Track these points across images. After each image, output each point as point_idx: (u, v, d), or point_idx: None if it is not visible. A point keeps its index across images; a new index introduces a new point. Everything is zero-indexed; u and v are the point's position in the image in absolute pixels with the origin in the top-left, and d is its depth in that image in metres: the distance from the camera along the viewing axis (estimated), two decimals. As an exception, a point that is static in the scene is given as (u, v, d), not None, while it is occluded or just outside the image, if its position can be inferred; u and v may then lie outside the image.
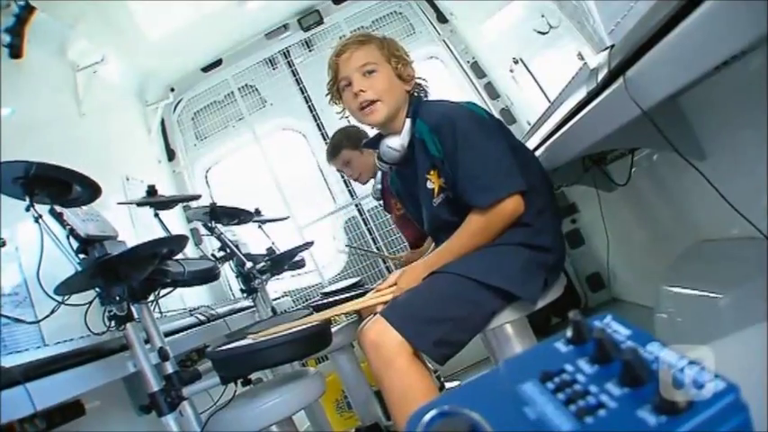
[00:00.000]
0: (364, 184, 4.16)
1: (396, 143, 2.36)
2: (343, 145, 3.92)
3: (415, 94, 2.40)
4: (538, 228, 2.17)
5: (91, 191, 2.11)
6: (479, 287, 2.03)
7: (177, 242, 2.20)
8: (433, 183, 2.29)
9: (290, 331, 2.15)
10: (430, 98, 2.45)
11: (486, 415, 0.60)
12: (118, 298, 2.00)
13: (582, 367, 0.65)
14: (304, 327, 2.19)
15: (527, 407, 0.62)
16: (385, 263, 5.30)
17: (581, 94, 1.89)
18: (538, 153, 2.63)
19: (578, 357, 0.66)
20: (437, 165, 2.23)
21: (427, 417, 0.62)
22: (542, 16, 3.44)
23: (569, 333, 0.71)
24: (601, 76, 1.68)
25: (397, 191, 2.67)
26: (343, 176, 5.27)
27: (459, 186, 2.15)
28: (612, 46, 1.62)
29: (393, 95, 2.33)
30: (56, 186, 2.03)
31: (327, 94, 2.49)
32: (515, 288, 2.05)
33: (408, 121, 2.33)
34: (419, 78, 2.42)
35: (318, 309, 3.00)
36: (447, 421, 0.60)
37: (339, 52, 2.37)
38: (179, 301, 3.89)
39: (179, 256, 2.35)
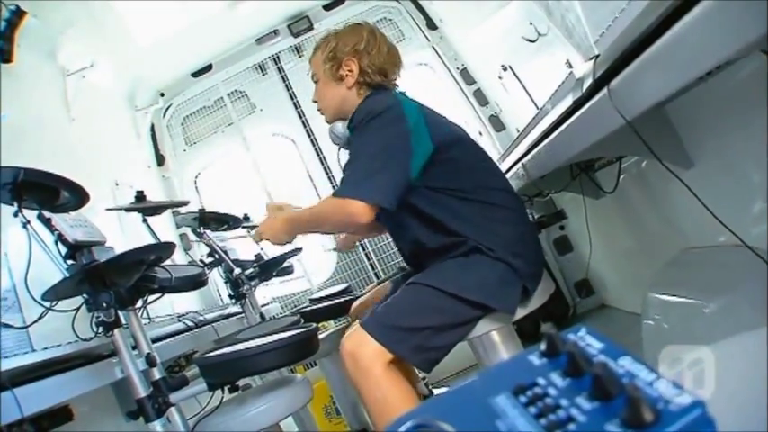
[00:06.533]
0: None
1: (338, 129, 2.53)
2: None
3: (369, 83, 2.45)
4: (509, 240, 2.18)
5: (79, 197, 2.11)
6: (456, 300, 2.04)
7: (164, 249, 2.20)
8: None
9: (278, 337, 2.15)
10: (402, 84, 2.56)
11: (460, 427, 0.61)
12: (105, 305, 2.00)
13: (554, 380, 0.66)
14: (291, 333, 2.19)
15: (499, 420, 0.63)
16: (374, 268, 5.30)
17: (567, 103, 1.90)
18: (526, 160, 2.65)
19: (551, 370, 0.68)
20: None
21: (402, 428, 0.63)
22: (531, 24, 3.46)
23: (543, 346, 0.72)
24: (586, 85, 1.69)
25: None
26: (331, 181, 5.30)
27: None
28: (598, 56, 1.63)
29: (330, 101, 2.51)
30: (44, 192, 2.02)
31: None
32: (492, 301, 2.07)
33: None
34: (368, 68, 2.44)
35: (307, 315, 3.00)
36: None
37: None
38: (168, 307, 3.89)
39: (167, 263, 2.35)
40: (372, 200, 2.07)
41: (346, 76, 2.42)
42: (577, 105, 1.82)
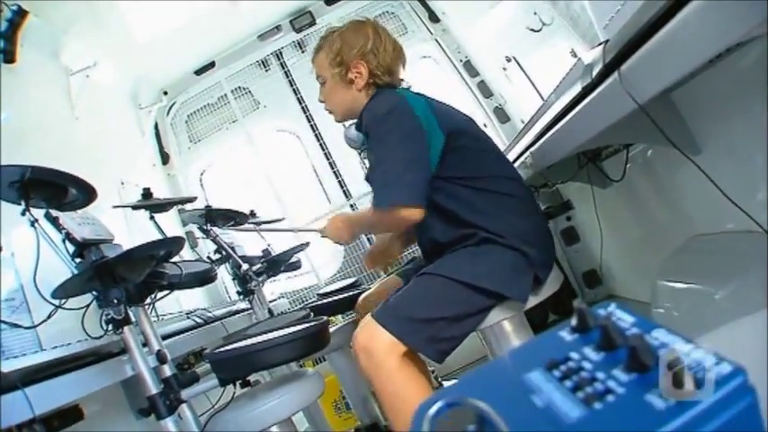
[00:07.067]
0: None
1: (353, 134, 2.54)
2: None
3: (378, 85, 2.45)
4: (521, 229, 2.18)
5: (86, 194, 2.11)
6: (469, 289, 2.04)
7: (174, 244, 2.19)
8: None
9: (290, 331, 2.15)
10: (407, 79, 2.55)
11: (494, 404, 0.60)
12: (116, 301, 1.99)
13: (588, 355, 0.65)
14: (303, 327, 2.19)
15: (534, 395, 0.62)
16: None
17: (575, 90, 1.89)
18: (534, 149, 2.64)
19: (583, 345, 0.67)
20: None
21: (434, 408, 0.62)
22: (535, 14, 3.45)
23: (574, 321, 0.71)
24: (595, 71, 1.68)
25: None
26: (337, 176, 5.31)
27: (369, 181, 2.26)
28: (607, 41, 1.62)
29: (340, 102, 2.50)
30: (51, 190, 2.02)
31: None
32: (504, 289, 2.06)
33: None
34: (377, 70, 2.43)
35: (316, 310, 3.00)
36: (454, 412, 0.60)
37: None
38: (176, 305, 3.89)
39: (175, 259, 2.35)
40: (411, 201, 2.10)
41: (356, 78, 2.41)
42: (586, 92, 1.81)
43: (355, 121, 2.50)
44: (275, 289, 5.03)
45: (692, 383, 0.55)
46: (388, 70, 2.44)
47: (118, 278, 1.98)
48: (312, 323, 2.25)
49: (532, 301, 2.16)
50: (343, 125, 2.61)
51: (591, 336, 0.68)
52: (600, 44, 1.67)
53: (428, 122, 2.19)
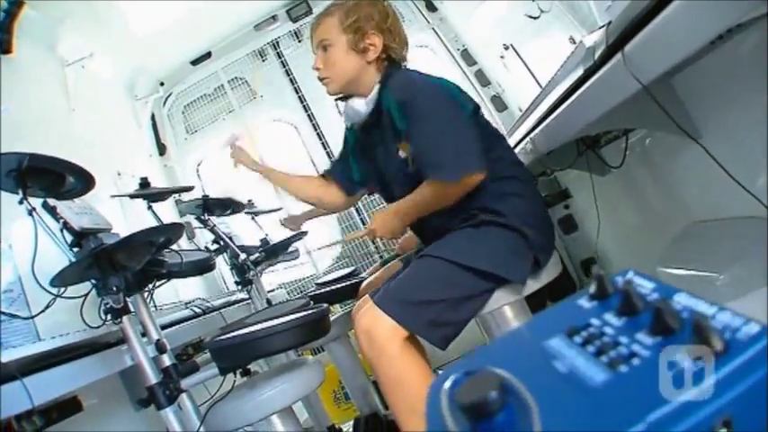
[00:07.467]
0: None
1: (360, 106, 2.42)
2: None
3: (388, 61, 2.42)
4: (519, 211, 2.18)
5: (84, 182, 2.09)
6: (468, 271, 2.03)
7: (174, 230, 2.18)
8: (405, 153, 2.31)
9: (291, 318, 2.14)
10: (409, 67, 2.48)
11: (514, 371, 0.59)
12: (115, 288, 1.98)
13: (609, 320, 0.64)
14: (304, 314, 2.18)
15: (556, 361, 0.61)
16: (378, 252, 5.29)
17: (577, 73, 1.88)
18: (534, 134, 2.63)
19: (603, 312, 0.66)
20: (404, 137, 2.26)
21: (451, 378, 0.62)
22: (533, 0, 3.44)
23: (592, 288, 0.70)
24: (598, 53, 1.67)
25: (352, 152, 2.72)
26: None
27: (417, 158, 2.21)
28: (609, 23, 1.61)
29: (343, 70, 2.40)
30: (49, 178, 2.01)
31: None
32: (503, 271, 2.06)
33: (377, 87, 2.36)
34: (394, 45, 2.42)
35: (315, 299, 2.99)
36: (474, 380, 0.58)
37: (311, 26, 2.52)
38: (173, 295, 3.89)
39: (174, 248, 2.34)
40: (481, 167, 2.10)
41: (369, 48, 2.37)
42: (588, 74, 1.80)
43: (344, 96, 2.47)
44: (273, 280, 5.03)
45: (720, 344, 0.54)
46: (401, 50, 2.45)
47: (117, 265, 1.97)
48: (313, 310, 2.24)
49: (532, 286, 2.16)
50: (340, 102, 2.55)
51: (610, 302, 0.67)
52: (601, 27, 1.66)
53: (459, 97, 2.25)
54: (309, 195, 2.90)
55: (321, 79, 2.46)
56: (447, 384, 0.61)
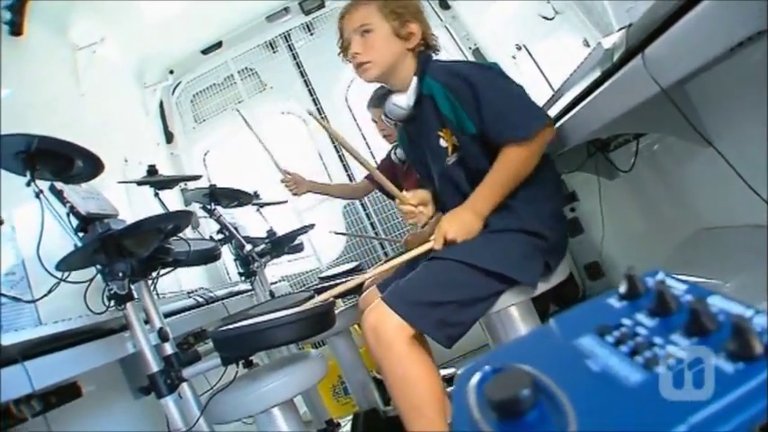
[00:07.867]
0: (392, 144, 4.05)
1: (402, 101, 2.39)
2: (371, 103, 3.88)
3: (422, 51, 2.41)
4: (535, 212, 2.18)
5: (93, 166, 2.09)
6: (479, 273, 2.02)
7: (182, 218, 2.18)
8: (446, 141, 2.31)
9: (296, 311, 2.13)
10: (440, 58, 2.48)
11: (545, 369, 0.58)
12: (121, 274, 1.97)
13: (641, 320, 0.63)
14: (309, 306, 2.17)
15: (588, 360, 0.60)
16: (383, 247, 5.29)
17: (594, 74, 1.87)
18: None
19: (635, 311, 0.65)
20: (447, 124, 2.25)
21: (478, 374, 0.60)
22: (548, 1, 3.42)
23: (622, 288, 0.69)
24: (617, 55, 1.66)
25: (405, 149, 2.72)
26: (341, 160, 5.34)
27: (489, 127, 2.15)
28: (630, 25, 1.60)
29: (386, 55, 2.36)
30: (57, 161, 2.00)
31: (339, 53, 2.51)
32: (515, 273, 2.05)
33: (416, 79, 2.35)
34: (431, 32, 2.44)
35: (318, 292, 2.98)
36: (504, 377, 0.57)
37: (342, 14, 2.44)
38: (176, 284, 3.88)
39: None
40: (543, 122, 2.12)
41: (411, 36, 2.36)
42: (606, 76, 1.79)
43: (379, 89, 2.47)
44: (276, 272, 5.02)
45: (761, 346, 0.53)
46: (434, 42, 2.47)
47: (125, 251, 1.96)
48: (319, 303, 2.23)
49: (541, 288, 2.15)
50: (377, 94, 2.52)
51: (641, 302, 0.66)
52: (621, 29, 1.65)
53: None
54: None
55: (359, 65, 2.38)
56: (474, 380, 0.60)
